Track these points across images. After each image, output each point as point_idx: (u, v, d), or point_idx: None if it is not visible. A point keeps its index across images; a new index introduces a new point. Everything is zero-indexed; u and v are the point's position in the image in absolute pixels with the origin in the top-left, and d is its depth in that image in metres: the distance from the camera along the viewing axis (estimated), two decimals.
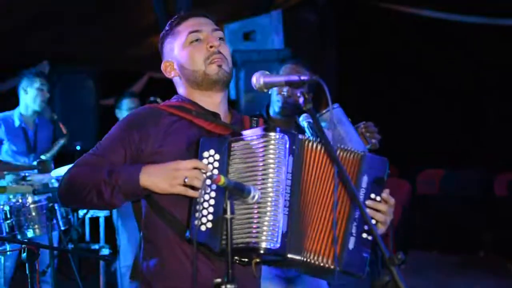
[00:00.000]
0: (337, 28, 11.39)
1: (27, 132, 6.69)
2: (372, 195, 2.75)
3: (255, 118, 3.02)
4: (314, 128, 3.47)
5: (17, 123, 6.68)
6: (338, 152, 2.75)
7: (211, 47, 2.83)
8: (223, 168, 2.65)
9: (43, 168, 5.91)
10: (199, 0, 9.55)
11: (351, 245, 2.69)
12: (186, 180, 2.56)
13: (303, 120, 3.58)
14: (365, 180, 2.75)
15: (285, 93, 4.21)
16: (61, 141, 6.79)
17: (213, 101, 2.89)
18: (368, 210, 2.70)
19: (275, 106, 4.32)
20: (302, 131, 3.64)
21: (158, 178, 2.61)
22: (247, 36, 8.81)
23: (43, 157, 6.55)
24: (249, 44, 8.75)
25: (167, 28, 2.94)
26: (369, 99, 11.92)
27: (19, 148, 6.60)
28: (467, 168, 11.45)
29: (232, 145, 2.68)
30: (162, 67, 2.94)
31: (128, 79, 11.76)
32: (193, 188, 2.59)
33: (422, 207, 11.33)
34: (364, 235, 2.71)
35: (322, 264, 2.66)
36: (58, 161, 6.65)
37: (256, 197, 2.53)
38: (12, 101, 6.95)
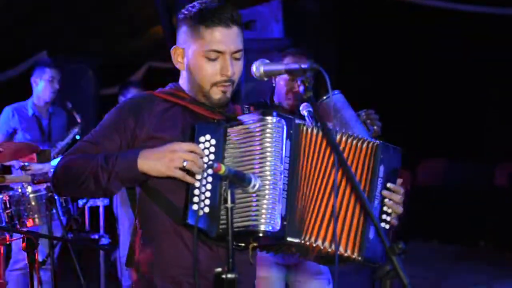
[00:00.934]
0: (337, 18, 11.36)
1: (41, 121, 6.74)
2: (388, 185, 2.77)
3: (246, 106, 3.00)
4: (314, 117, 3.46)
5: (30, 112, 6.73)
6: (351, 140, 2.77)
7: (224, 75, 2.77)
8: (219, 153, 2.65)
9: (43, 157, 5.91)
10: None
11: (371, 235, 2.71)
12: (185, 163, 2.54)
13: (303, 109, 3.57)
14: (382, 169, 2.77)
15: (296, 90, 4.21)
16: (75, 130, 6.81)
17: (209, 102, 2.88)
18: (385, 200, 2.74)
19: (284, 101, 4.35)
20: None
21: (155, 161, 2.60)
22: (247, 25, 8.80)
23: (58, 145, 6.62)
24: (249, 33, 8.75)
25: (194, 11, 2.78)
26: (370, 89, 11.89)
27: (33, 136, 6.63)
28: (468, 159, 11.45)
29: (228, 130, 2.68)
30: (173, 51, 2.86)
31: (127, 69, 11.75)
32: (189, 173, 2.58)
33: (422, 197, 11.33)
34: (382, 224, 2.75)
35: (345, 254, 2.69)
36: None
37: (257, 186, 2.52)
38: (12, 91, 6.97)
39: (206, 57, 2.76)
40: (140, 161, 2.61)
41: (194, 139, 2.65)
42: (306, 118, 3.49)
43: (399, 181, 2.82)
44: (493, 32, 11.05)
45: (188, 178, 2.59)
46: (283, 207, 2.59)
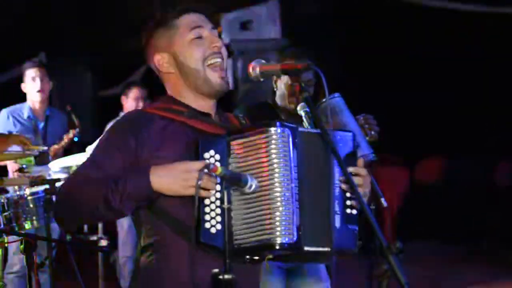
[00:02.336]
0: (336, 19, 11.36)
1: (37, 124, 6.71)
2: (350, 169, 2.71)
3: (240, 115, 3.00)
4: (311, 118, 3.45)
5: (26, 115, 6.71)
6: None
7: (214, 46, 2.78)
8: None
9: (41, 160, 5.90)
10: None
11: (337, 224, 2.69)
12: (200, 182, 2.51)
13: (301, 109, 3.56)
14: (331, 156, 2.71)
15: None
16: (72, 132, 6.76)
17: (206, 104, 2.85)
18: (345, 186, 2.70)
19: (287, 104, 4.31)
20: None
21: (170, 179, 2.57)
22: (244, 26, 8.80)
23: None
24: (246, 34, 8.75)
25: (158, 17, 2.85)
26: (369, 89, 11.89)
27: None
28: (468, 157, 11.44)
29: (232, 144, 2.64)
30: (155, 60, 2.85)
31: (126, 70, 11.74)
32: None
33: (422, 196, 11.32)
34: (348, 211, 2.72)
35: (316, 249, 2.66)
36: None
37: (254, 186, 2.52)
38: (10, 94, 6.96)
39: (190, 39, 2.78)
40: (153, 178, 2.58)
41: (198, 155, 2.63)
42: (304, 118, 3.49)
43: (359, 162, 2.78)
44: (493, 28, 11.07)
45: (204, 193, 2.56)
46: (297, 217, 2.58)
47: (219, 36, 2.87)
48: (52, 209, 2.80)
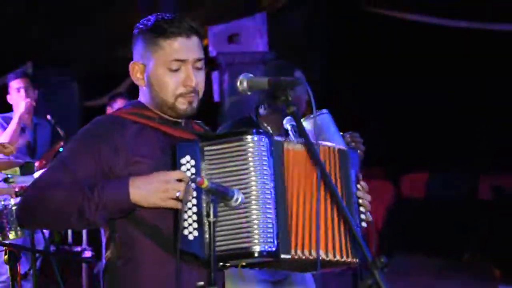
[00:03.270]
0: (324, 32, 11.39)
1: (26, 132, 6.70)
2: (359, 186, 2.84)
3: (199, 121, 2.96)
4: (297, 131, 3.46)
5: None
6: (323, 148, 2.80)
7: (188, 85, 2.74)
8: (198, 174, 2.60)
9: (26, 170, 5.88)
10: (184, 2, 9.53)
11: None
12: (178, 194, 2.51)
13: (287, 123, 3.57)
14: (353, 173, 2.84)
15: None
16: (61, 143, 6.75)
17: (175, 116, 2.83)
18: (360, 201, 2.83)
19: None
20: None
21: (148, 192, 2.55)
22: (231, 39, 8.82)
23: None
24: (234, 47, 8.76)
25: (150, 24, 2.78)
26: (355, 102, 11.92)
27: (19, 148, 6.58)
28: (452, 172, 11.48)
29: (205, 149, 2.64)
30: (131, 66, 2.83)
31: (112, 81, 11.71)
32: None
33: (406, 210, 11.35)
34: (362, 224, 2.85)
35: (342, 260, 2.74)
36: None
37: (240, 200, 2.52)
38: None
39: (168, 69, 2.72)
40: (132, 190, 2.55)
41: (176, 160, 2.62)
42: (290, 132, 3.50)
43: (363, 183, 2.89)
44: (477, 46, 11.14)
45: (180, 206, 2.54)
46: (275, 225, 2.59)
47: (206, 49, 2.86)
48: (16, 212, 2.73)
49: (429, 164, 11.71)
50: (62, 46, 10.78)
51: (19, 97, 6.68)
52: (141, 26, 2.81)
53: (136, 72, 2.81)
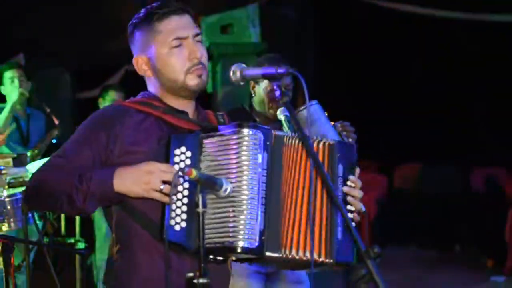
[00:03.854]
0: (316, 23, 11.39)
1: (20, 123, 6.68)
2: (348, 182, 2.75)
3: (220, 113, 2.98)
4: (291, 122, 3.46)
5: None
6: (312, 143, 2.73)
7: (194, 58, 2.76)
8: (195, 165, 2.59)
9: (19, 161, 5.86)
10: None
11: (339, 235, 2.69)
12: (162, 187, 2.52)
13: (280, 114, 3.57)
14: (340, 168, 2.74)
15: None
16: (55, 132, 6.74)
17: (184, 103, 2.83)
18: (348, 198, 2.73)
19: (265, 110, 4.29)
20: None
21: (131, 182, 2.57)
22: (224, 29, 8.80)
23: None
24: (226, 37, 8.74)
25: (141, 15, 2.81)
26: (347, 94, 11.94)
27: (12, 138, 6.56)
28: (444, 163, 11.52)
29: (204, 142, 2.64)
30: (134, 62, 2.84)
31: (104, 73, 11.71)
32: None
33: (399, 202, 11.39)
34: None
35: (319, 260, 2.65)
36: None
37: (229, 190, 2.51)
38: None
39: (170, 48, 2.75)
40: (116, 181, 2.58)
41: (169, 151, 2.62)
42: (284, 122, 3.50)
43: (357, 172, 2.80)
44: (472, 37, 11.16)
45: (166, 199, 2.55)
46: (261, 222, 2.57)
47: (200, 41, 2.85)
48: (23, 195, 2.80)
49: (421, 157, 11.74)
50: (54, 39, 10.76)
51: (12, 87, 6.66)
52: (134, 21, 2.83)
53: (141, 66, 2.83)
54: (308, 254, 2.64)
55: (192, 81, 2.77)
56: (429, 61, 11.73)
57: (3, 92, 6.74)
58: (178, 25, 2.77)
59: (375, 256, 2.29)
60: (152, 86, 2.86)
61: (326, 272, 2.86)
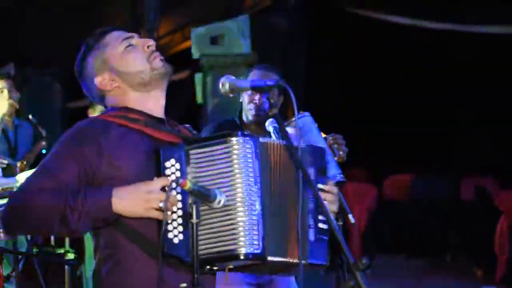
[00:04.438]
0: (306, 34, 11.42)
1: (8, 133, 6.66)
2: (319, 186, 2.75)
3: (187, 125, 2.96)
4: (279, 133, 3.46)
5: None
6: (279, 146, 2.74)
7: (148, 47, 2.79)
8: (184, 177, 2.56)
9: (7, 171, 5.85)
10: (167, 4, 9.52)
11: (311, 237, 2.70)
12: (161, 205, 2.50)
13: (269, 125, 3.57)
14: (312, 172, 2.75)
15: (256, 101, 4.22)
16: (43, 143, 6.71)
17: (158, 103, 2.82)
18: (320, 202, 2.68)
19: (248, 115, 4.31)
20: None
21: (131, 202, 2.53)
22: (214, 40, 8.80)
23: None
24: (217, 48, 8.74)
25: (89, 44, 2.84)
26: (338, 104, 11.96)
27: (0, 149, 6.54)
28: (434, 173, 11.54)
29: (190, 152, 2.62)
30: (97, 82, 2.80)
31: None
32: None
33: (389, 212, 11.39)
34: (321, 225, 2.73)
35: (288, 260, 2.66)
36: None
37: (222, 201, 2.50)
38: None
39: (124, 48, 2.79)
40: (115, 200, 2.54)
41: (160, 164, 2.60)
42: (272, 134, 3.50)
43: (330, 181, 2.81)
44: (460, 47, 11.20)
45: (164, 216, 2.51)
46: (261, 227, 2.57)
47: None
48: (2, 218, 2.71)
49: (412, 166, 11.76)
50: (44, 48, 10.76)
51: (1, 98, 6.64)
52: (82, 50, 2.87)
53: (106, 81, 2.80)
54: (294, 257, 2.65)
55: (158, 63, 2.77)
56: (419, 71, 11.75)
57: None
58: (120, 33, 2.83)
59: (363, 267, 2.29)
60: (121, 99, 2.82)
61: (317, 283, 2.87)
